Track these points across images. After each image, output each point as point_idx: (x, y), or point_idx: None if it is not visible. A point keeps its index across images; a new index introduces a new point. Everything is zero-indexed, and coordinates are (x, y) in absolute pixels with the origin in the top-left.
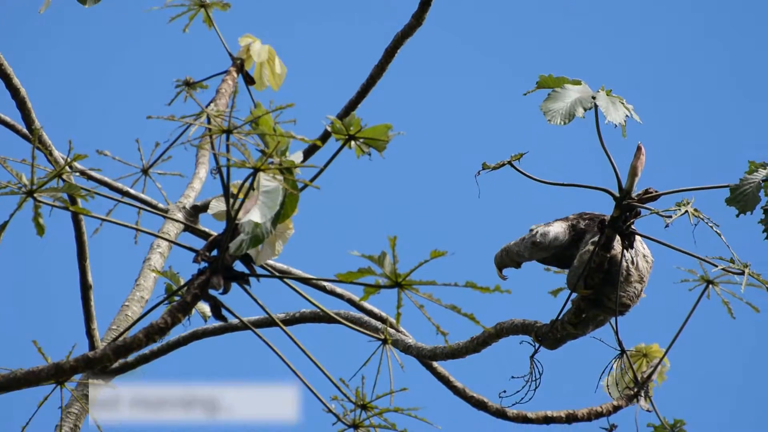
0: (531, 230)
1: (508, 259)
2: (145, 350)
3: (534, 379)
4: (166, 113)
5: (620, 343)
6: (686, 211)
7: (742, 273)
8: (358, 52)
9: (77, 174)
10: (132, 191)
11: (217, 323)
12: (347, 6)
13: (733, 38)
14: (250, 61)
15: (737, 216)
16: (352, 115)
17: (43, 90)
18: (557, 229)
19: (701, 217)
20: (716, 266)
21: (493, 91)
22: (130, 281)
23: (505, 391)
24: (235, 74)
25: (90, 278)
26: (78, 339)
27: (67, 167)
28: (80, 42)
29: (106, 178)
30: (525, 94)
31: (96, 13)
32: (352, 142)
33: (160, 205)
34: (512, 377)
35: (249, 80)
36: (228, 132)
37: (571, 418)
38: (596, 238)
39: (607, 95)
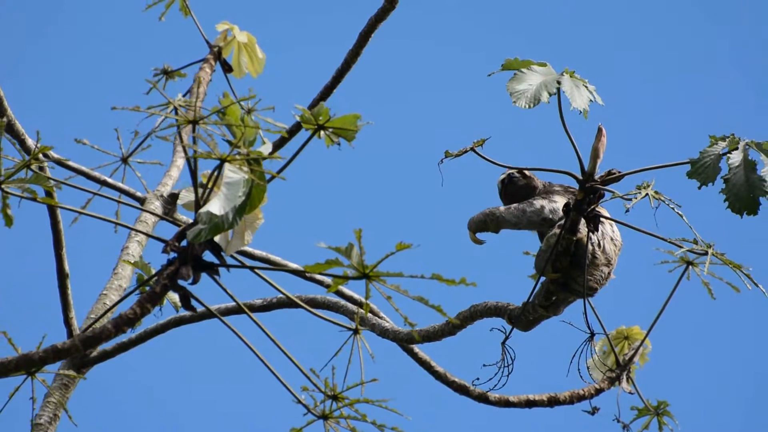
0: (533, 204)
1: (494, 225)
2: (123, 338)
3: (506, 365)
4: (144, 102)
5: (590, 326)
6: (647, 194)
7: (706, 254)
8: (334, 38)
9: (52, 166)
10: (110, 180)
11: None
12: None
13: (695, 17)
14: (228, 48)
15: (699, 188)
16: (320, 105)
17: (19, 78)
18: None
19: (662, 199)
20: (681, 247)
21: (457, 74)
22: (108, 270)
23: (478, 379)
24: (213, 62)
25: (67, 267)
26: (56, 328)
27: (34, 158)
28: (56, 31)
29: (83, 168)
30: (489, 75)
31: (72, 1)
32: (321, 132)
33: (139, 194)
34: (484, 365)
35: (227, 68)
36: (194, 123)
37: (553, 401)
38: (562, 222)
39: (571, 77)
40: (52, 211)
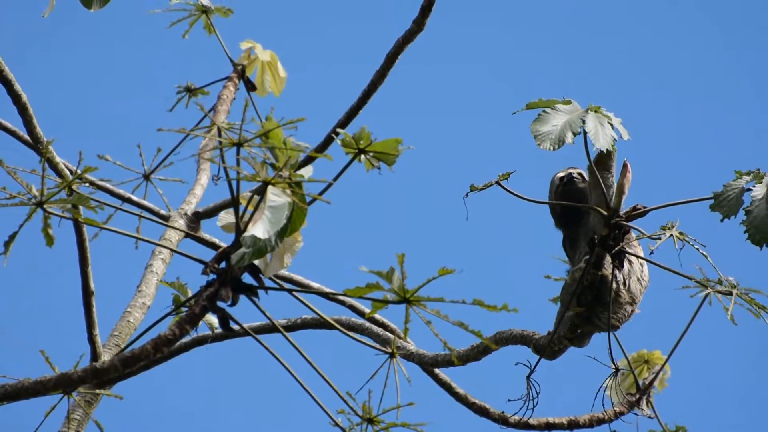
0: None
1: (603, 168)
2: None
3: (531, 398)
4: (168, 119)
5: (614, 361)
6: (671, 235)
7: (731, 293)
8: (359, 58)
9: (86, 184)
10: (133, 197)
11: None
12: (348, 11)
13: (727, 49)
14: (252, 66)
15: (721, 221)
16: (362, 128)
17: (42, 94)
18: None
19: (687, 239)
20: (706, 287)
21: (489, 101)
22: (131, 287)
23: (503, 412)
24: (236, 80)
25: (92, 284)
26: (80, 345)
27: (77, 179)
28: (80, 46)
29: (106, 184)
30: (514, 114)
31: (96, 18)
32: (362, 156)
33: (162, 212)
34: (509, 400)
35: (250, 86)
36: (239, 145)
37: (572, 425)
38: (588, 256)
39: (596, 112)
40: (78, 227)
